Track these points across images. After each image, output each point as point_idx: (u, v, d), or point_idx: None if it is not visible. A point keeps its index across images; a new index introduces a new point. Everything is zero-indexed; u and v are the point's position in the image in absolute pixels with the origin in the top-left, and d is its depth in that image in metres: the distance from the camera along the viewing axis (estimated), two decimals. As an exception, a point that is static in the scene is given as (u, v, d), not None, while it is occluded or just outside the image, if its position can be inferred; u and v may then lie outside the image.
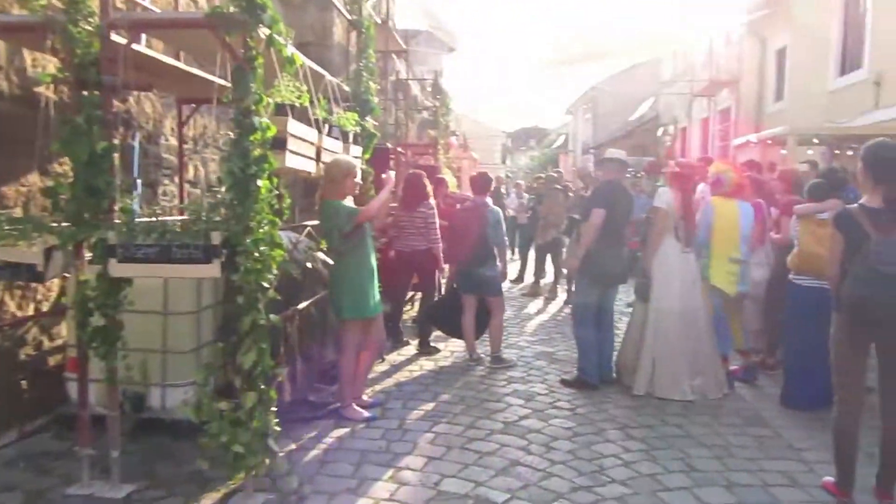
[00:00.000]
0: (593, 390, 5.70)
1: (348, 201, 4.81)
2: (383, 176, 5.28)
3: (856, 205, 3.78)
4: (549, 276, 11.25)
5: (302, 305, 4.83)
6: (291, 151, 3.95)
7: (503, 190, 17.35)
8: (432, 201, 6.99)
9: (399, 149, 12.73)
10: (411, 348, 7.03)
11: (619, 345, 6.20)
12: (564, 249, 10.23)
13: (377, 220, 5.34)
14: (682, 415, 5.18)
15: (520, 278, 12.08)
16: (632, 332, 5.89)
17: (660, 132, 26.35)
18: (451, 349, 7.03)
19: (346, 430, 4.68)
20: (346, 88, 5.92)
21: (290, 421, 4.62)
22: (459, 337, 6.72)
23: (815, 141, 10.54)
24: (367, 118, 6.09)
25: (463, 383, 5.90)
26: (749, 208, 6.00)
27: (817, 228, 5.18)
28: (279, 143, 3.83)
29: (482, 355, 6.62)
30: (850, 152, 10.01)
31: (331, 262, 4.99)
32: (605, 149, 33.98)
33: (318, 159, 4.69)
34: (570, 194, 11.29)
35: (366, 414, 4.89)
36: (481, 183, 6.68)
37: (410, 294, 8.02)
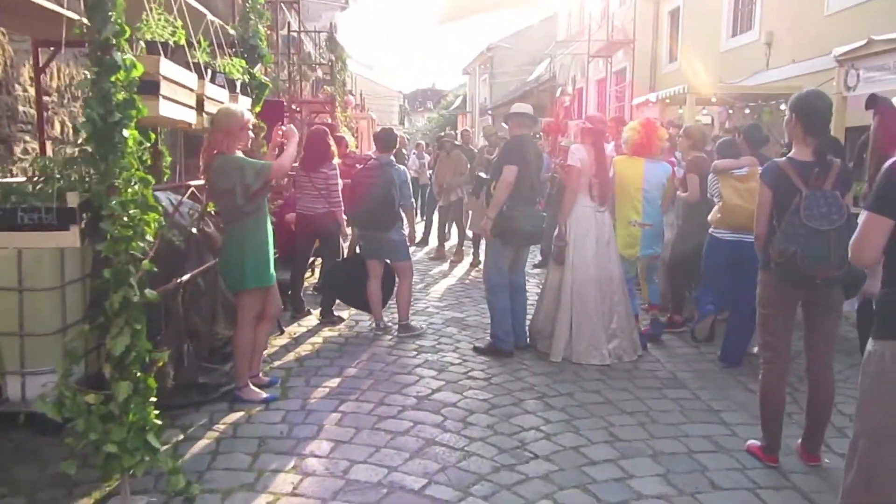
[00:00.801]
0: (508, 357, 5.44)
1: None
2: (283, 128, 4.73)
3: (784, 158, 3.61)
4: (454, 238, 10.96)
5: (187, 277, 4.25)
6: (166, 97, 3.34)
7: (404, 151, 16.83)
8: (336, 161, 6.48)
9: (293, 106, 12.03)
10: (313, 319, 6.55)
11: (532, 309, 5.97)
12: (471, 211, 9.96)
13: (278, 180, 4.80)
14: (601, 380, 5.00)
15: (424, 241, 11.72)
16: (546, 296, 5.65)
17: (558, 92, 26.43)
18: (356, 318, 6.60)
19: (242, 414, 4.19)
20: (232, 32, 5.27)
21: (176, 408, 4.12)
22: (363, 308, 6.29)
23: (713, 100, 10.64)
24: (258, 66, 5.46)
25: (370, 355, 5.50)
26: (659, 168, 5.85)
27: (736, 183, 5.09)
28: (150, 88, 3.23)
29: (389, 324, 6.23)
30: (747, 111, 10.17)
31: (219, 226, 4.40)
32: (502, 109, 34.13)
33: (199, 109, 4.08)
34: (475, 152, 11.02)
35: (264, 395, 4.42)
36: (386, 140, 6.20)
37: (311, 260, 7.50)
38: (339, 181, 6.37)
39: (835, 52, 7.19)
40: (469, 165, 10.20)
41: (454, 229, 10.90)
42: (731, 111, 11.16)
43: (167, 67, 3.36)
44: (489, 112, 38.32)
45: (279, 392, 4.57)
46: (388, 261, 6.10)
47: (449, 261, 10.26)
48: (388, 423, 4.13)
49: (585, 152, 5.45)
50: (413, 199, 6.36)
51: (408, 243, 6.13)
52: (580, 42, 23.80)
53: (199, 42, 4.33)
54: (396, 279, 6.20)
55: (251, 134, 4.54)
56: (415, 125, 63.25)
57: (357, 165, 7.48)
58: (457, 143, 11.07)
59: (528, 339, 5.76)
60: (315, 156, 6.29)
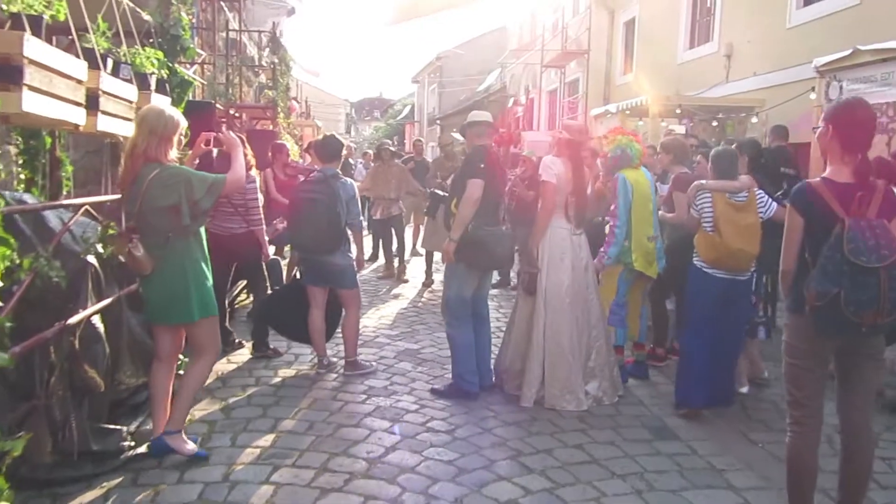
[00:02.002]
0: (472, 401, 4.71)
1: None
2: (220, 134, 4.04)
3: (818, 179, 2.98)
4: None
5: (78, 318, 3.38)
6: (33, 88, 2.50)
7: (351, 161, 15.96)
8: (255, 172, 5.64)
9: (232, 111, 11.11)
10: (245, 352, 5.70)
11: (497, 341, 5.27)
12: (422, 227, 9.24)
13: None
14: (582, 430, 4.30)
15: (374, 257, 10.90)
16: (515, 330, 4.93)
17: (510, 103, 25.99)
18: (295, 352, 5.77)
19: (148, 493, 3.33)
20: (148, 18, 4.42)
21: (61, 484, 3.25)
22: (304, 341, 5.47)
23: (678, 111, 10.18)
24: (179, 61, 4.63)
25: (312, 401, 4.69)
26: (650, 176, 5.30)
27: (734, 214, 4.43)
28: (10, 74, 2.40)
29: (334, 359, 5.43)
30: (714, 123, 9.72)
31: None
32: (451, 119, 33.59)
33: (93, 107, 3.23)
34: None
35: (193, 447, 3.69)
36: (330, 149, 5.34)
37: (238, 289, 6.62)
38: (259, 195, 5.53)
39: (816, 63, 6.72)
40: (418, 178, 9.50)
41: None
42: (691, 123, 10.71)
43: (37, 49, 2.52)
44: (438, 122, 37.77)
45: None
46: (333, 288, 5.30)
47: (401, 280, 9.47)
48: (332, 498, 3.34)
49: (562, 166, 4.78)
50: (362, 217, 5.57)
51: (356, 269, 5.32)
52: (533, 51, 23.40)
53: (98, 25, 3.48)
54: (342, 309, 5.39)
55: (182, 140, 3.79)
56: (361, 134, 62.38)
57: (300, 177, 6.69)
58: (393, 150, 10.29)
59: (493, 379, 5.04)
60: (229, 165, 5.47)
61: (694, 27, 14.63)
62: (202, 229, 3.77)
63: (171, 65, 4.48)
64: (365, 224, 11.79)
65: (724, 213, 4.42)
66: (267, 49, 13.73)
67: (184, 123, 3.68)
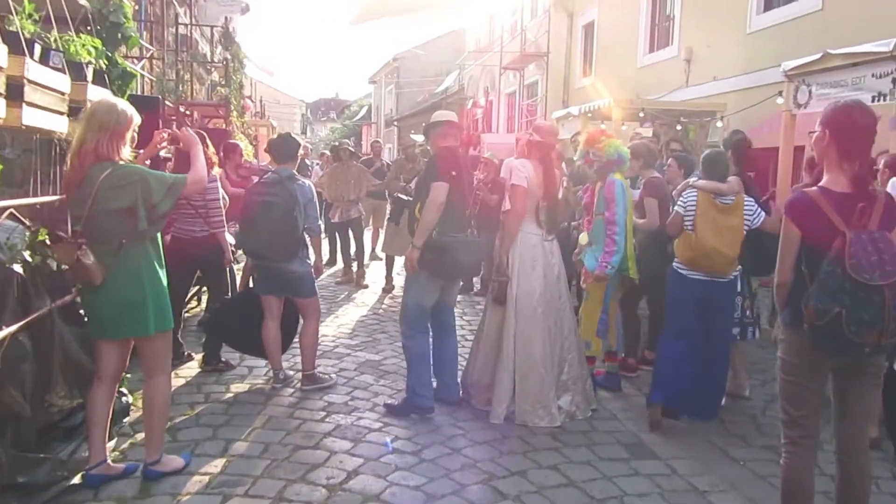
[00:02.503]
0: (430, 415, 4.43)
1: None
2: (177, 131, 3.73)
3: (815, 188, 2.79)
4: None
5: (1, 335, 3.00)
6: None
7: (307, 162, 15.53)
8: (217, 171, 5.29)
9: (182, 109, 10.66)
10: (195, 366, 5.32)
11: (465, 355, 5.01)
12: (381, 230, 8.91)
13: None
14: (556, 449, 4.07)
15: (331, 261, 10.53)
16: (485, 341, 4.67)
17: (469, 104, 25.83)
18: (249, 365, 5.41)
19: (79, 531, 2.98)
20: (84, 2, 4.03)
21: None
22: (258, 353, 5.11)
23: (641, 115, 10.07)
24: (127, 55, 4.25)
25: (266, 419, 4.35)
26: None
27: (717, 216, 4.28)
28: None
29: (290, 373, 5.10)
30: (678, 126, 9.64)
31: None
32: (409, 120, 33.31)
33: (16, 98, 2.86)
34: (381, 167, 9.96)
35: (180, 461, 3.57)
36: (286, 149, 4.98)
37: (194, 291, 6.24)
38: (223, 196, 5.19)
39: (784, 66, 6.63)
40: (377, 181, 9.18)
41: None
42: (651, 127, 10.63)
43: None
44: (395, 123, 37.47)
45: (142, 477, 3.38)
46: (290, 297, 4.97)
47: (359, 286, 9.13)
48: (288, 533, 3.04)
49: (532, 169, 4.54)
50: (320, 221, 5.25)
51: (314, 276, 5.00)
52: (492, 53, 23.26)
53: (23, 7, 3.11)
54: (299, 319, 5.07)
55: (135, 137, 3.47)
56: (318, 135, 61.71)
57: (253, 178, 6.33)
58: (352, 150, 9.93)
59: (460, 393, 4.78)
60: (188, 165, 5.10)
61: (653, 31, 14.64)
62: (158, 234, 3.46)
63: (110, 55, 4.09)
64: (322, 227, 11.41)
65: (706, 213, 4.31)
66: (219, 46, 13.21)
67: (137, 119, 3.37)
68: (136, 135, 3.43)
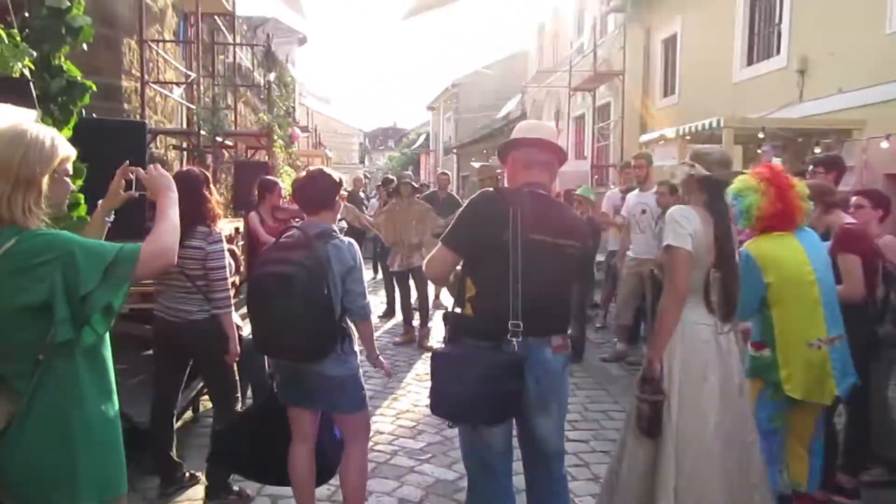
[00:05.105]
0: None
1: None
2: (141, 171, 2.31)
3: None
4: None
5: None
6: None
7: (362, 194, 13.94)
8: (229, 225, 3.77)
9: (219, 138, 9.38)
10: (199, 490, 3.80)
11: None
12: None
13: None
14: None
15: (389, 313, 8.98)
16: (621, 491, 3.00)
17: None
18: (269, 493, 3.86)
19: None
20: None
21: None
22: (282, 483, 3.53)
23: (761, 136, 8.29)
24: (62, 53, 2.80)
25: None
26: (815, 240, 3.37)
27: None
28: None
29: (328, 515, 3.51)
30: (817, 149, 7.83)
31: None
32: (468, 148, 32.00)
33: None
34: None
35: None
36: (315, 191, 3.33)
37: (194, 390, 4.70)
38: (229, 261, 3.68)
39: None
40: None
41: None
42: (774, 151, 8.85)
43: None
44: (454, 151, 36.30)
45: None
46: (326, 411, 3.38)
47: (421, 346, 7.54)
48: None
49: (700, 221, 2.88)
50: (375, 276, 3.66)
51: (362, 382, 3.37)
52: (559, 73, 21.72)
53: None
54: (342, 443, 3.47)
55: (69, 183, 2.03)
56: (375, 164, 61.22)
57: (294, 221, 4.87)
58: (415, 185, 8.23)
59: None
60: (198, 211, 3.58)
61: (752, 41, 12.84)
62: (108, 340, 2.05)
63: (48, 55, 2.66)
64: (379, 277, 9.75)
65: None
66: (261, 68, 11.95)
67: (65, 153, 1.92)
68: (69, 178, 2.01)
